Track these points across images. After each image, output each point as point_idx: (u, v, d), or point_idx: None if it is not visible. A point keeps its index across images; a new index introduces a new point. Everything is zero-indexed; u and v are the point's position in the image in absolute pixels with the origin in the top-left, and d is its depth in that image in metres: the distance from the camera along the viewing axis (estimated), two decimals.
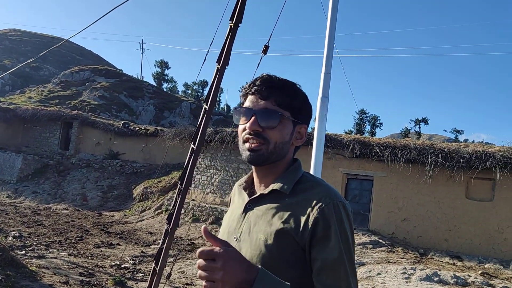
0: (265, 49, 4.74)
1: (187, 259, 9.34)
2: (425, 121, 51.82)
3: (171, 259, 8.50)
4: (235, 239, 1.28)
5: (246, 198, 1.33)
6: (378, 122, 56.57)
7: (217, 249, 1.02)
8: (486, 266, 9.51)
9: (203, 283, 1.02)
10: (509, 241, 10.04)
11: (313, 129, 5.41)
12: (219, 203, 13.63)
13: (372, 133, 53.01)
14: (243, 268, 1.03)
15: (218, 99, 65.99)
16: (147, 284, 4.08)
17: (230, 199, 1.52)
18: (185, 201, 13.92)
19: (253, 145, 1.25)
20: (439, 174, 10.52)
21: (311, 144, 4.36)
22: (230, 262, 1.01)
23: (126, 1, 5.60)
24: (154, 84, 45.11)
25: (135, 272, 7.91)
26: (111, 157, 19.23)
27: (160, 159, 17.41)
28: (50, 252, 8.60)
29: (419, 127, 51.65)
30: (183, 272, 8.16)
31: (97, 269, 7.76)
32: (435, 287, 7.38)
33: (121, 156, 19.28)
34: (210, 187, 14.09)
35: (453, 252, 10.29)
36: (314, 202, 1.19)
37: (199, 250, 1.03)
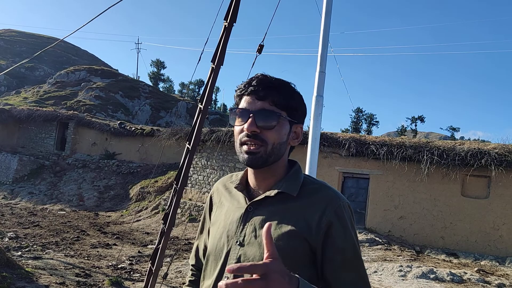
0: (260, 48, 4.75)
1: (184, 258, 9.34)
2: (421, 119, 51.94)
3: (168, 259, 8.50)
4: (237, 243, 1.24)
5: (244, 200, 1.30)
6: (374, 120, 56.69)
7: (263, 264, 0.89)
8: (482, 263, 9.55)
9: None
10: (504, 238, 10.10)
11: (308, 128, 5.42)
12: None
13: (369, 132, 53.13)
14: (285, 279, 0.91)
15: (214, 98, 65.98)
16: (143, 284, 4.08)
17: (212, 201, 1.44)
18: (182, 200, 13.91)
19: (251, 148, 1.22)
20: (435, 172, 10.56)
21: (306, 143, 4.37)
22: (276, 277, 0.89)
23: (121, 0, 5.59)
24: (150, 83, 45.06)
25: (131, 272, 7.90)
26: (107, 157, 19.19)
27: (157, 159, 17.39)
28: (46, 253, 8.58)
29: (416, 125, 51.77)
30: (180, 272, 8.15)
31: (94, 270, 7.75)
32: (432, 284, 7.41)
33: (117, 156, 19.25)
34: (207, 186, 14.09)
35: (449, 249, 10.33)
36: (325, 204, 1.21)
37: (232, 266, 0.88)
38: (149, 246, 10.26)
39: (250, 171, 1.32)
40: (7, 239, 9.37)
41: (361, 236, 10.47)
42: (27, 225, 11.48)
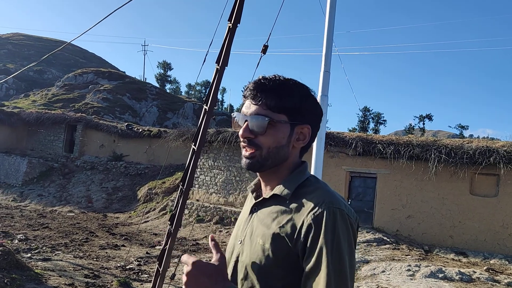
0: (264, 49, 4.75)
1: None
2: (429, 117, 51.69)
3: (176, 260, 8.53)
4: (239, 242, 1.29)
5: (253, 201, 1.33)
6: (382, 119, 56.47)
7: (191, 259, 1.11)
8: (491, 262, 9.48)
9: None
10: None
11: None
12: (223, 203, 13.66)
13: (376, 131, 52.91)
14: (206, 283, 1.09)
15: (221, 99, 66.11)
16: (151, 285, 4.10)
17: (245, 202, 1.52)
18: (189, 201, 13.96)
19: (247, 153, 1.24)
20: (443, 171, 10.50)
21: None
22: (192, 276, 1.09)
23: (127, 3, 5.62)
24: (157, 85, 45.26)
25: (140, 273, 7.95)
26: (115, 159, 19.30)
27: (164, 160, 17.46)
28: (55, 255, 8.65)
29: (423, 124, 51.53)
30: None
31: (102, 271, 7.80)
32: (440, 284, 7.37)
33: (125, 158, 19.36)
34: (214, 187, 14.13)
35: (458, 248, 10.26)
36: (311, 207, 1.15)
37: (183, 255, 1.15)
38: (157, 247, 10.31)
39: (259, 174, 1.33)
40: (16, 241, 9.46)
41: (368, 236, 10.43)
42: (36, 227, 11.58)
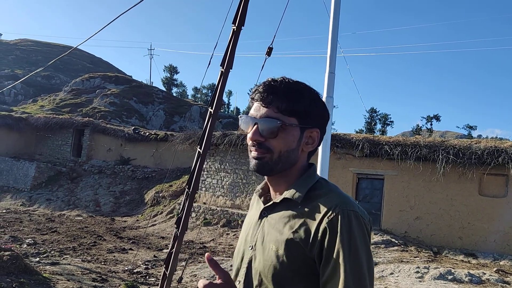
0: (269, 51, 4.75)
1: (199, 262, 9.37)
2: (436, 118, 51.41)
3: (183, 263, 8.53)
4: (250, 248, 1.26)
5: (262, 206, 1.31)
6: (389, 120, 56.23)
7: (201, 283, 1.16)
8: (501, 263, 9.38)
9: None
10: None
11: None
12: (230, 206, 13.66)
13: (383, 132, 52.67)
14: None
15: (227, 102, 66.20)
16: None
17: (250, 205, 1.50)
18: (196, 204, 13.98)
19: (256, 154, 1.22)
20: (451, 171, 10.41)
21: None
22: None
23: (134, 6, 5.66)
24: (164, 89, 45.42)
25: (147, 277, 7.96)
26: (122, 162, 19.39)
27: (171, 164, 17.51)
28: (64, 259, 8.70)
29: (431, 124, 51.26)
30: (195, 276, 8.18)
31: (110, 274, 7.83)
32: (450, 286, 7.30)
33: (132, 162, 19.44)
34: (221, 190, 14.13)
35: (467, 249, 10.16)
36: (325, 211, 1.14)
37: (200, 281, 1.19)
38: (165, 251, 10.33)
39: (266, 177, 1.32)
40: (25, 246, 9.52)
41: (376, 238, 10.37)
42: (45, 231, 11.66)
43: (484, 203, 10.33)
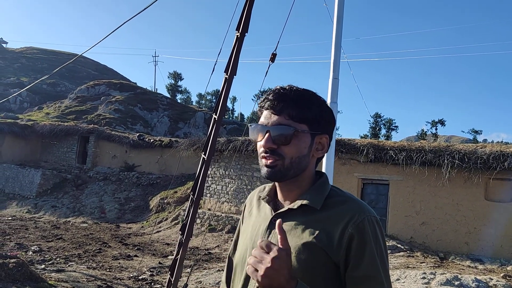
0: (273, 57, 4.77)
1: (204, 269, 9.35)
2: (441, 122, 51.13)
3: (188, 270, 8.52)
4: None
5: (270, 212, 1.31)
6: (393, 125, 56.09)
7: (276, 246, 1.07)
8: (508, 268, 9.29)
9: (249, 266, 1.09)
10: None
11: None
12: (235, 212, 13.64)
13: (388, 137, 52.52)
14: (286, 274, 1.05)
15: (231, 108, 66.36)
16: None
17: (244, 209, 1.48)
18: (201, 210, 13.98)
19: (269, 161, 1.23)
20: (457, 176, 10.36)
21: None
22: (280, 262, 1.05)
23: (138, 14, 5.71)
24: (168, 95, 45.65)
25: (152, 283, 7.95)
26: (127, 169, 19.44)
27: (175, 170, 17.53)
28: (69, 266, 8.71)
29: (436, 129, 50.96)
30: (200, 282, 8.16)
31: (115, 281, 7.82)
32: None
33: (137, 168, 19.48)
34: (225, 196, 14.12)
35: (474, 255, 10.08)
36: (348, 217, 1.18)
37: (261, 241, 1.09)
38: (170, 257, 10.31)
39: (276, 184, 1.33)
40: (31, 253, 9.54)
41: None
42: (50, 238, 11.68)
43: (490, 208, 10.26)
